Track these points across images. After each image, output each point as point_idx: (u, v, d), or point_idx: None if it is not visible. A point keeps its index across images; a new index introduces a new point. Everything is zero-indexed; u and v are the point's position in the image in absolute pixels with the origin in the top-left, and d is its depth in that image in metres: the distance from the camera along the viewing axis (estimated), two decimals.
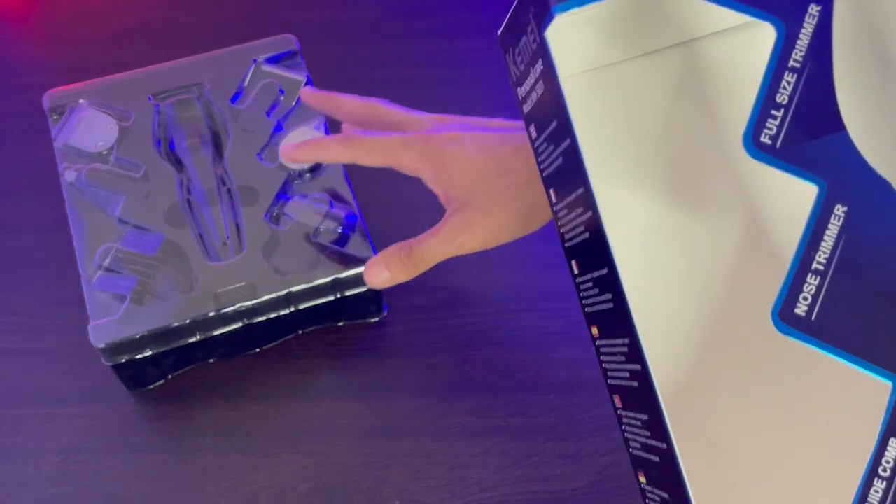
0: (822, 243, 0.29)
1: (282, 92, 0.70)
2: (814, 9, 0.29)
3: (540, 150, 0.35)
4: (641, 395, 0.32)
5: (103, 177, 0.66)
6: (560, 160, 0.33)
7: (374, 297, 0.66)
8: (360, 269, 0.63)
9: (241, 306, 0.62)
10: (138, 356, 0.62)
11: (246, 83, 0.70)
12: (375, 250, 0.63)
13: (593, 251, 0.32)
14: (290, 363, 0.66)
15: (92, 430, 0.64)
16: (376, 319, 0.68)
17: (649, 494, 0.35)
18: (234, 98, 0.70)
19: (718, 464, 0.29)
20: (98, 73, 0.71)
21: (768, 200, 0.29)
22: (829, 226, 0.29)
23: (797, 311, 0.29)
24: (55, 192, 0.67)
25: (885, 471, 0.29)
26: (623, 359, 0.33)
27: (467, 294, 0.69)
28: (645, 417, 0.32)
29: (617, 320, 0.32)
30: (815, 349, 0.29)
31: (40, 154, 0.72)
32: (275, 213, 0.66)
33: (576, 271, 0.35)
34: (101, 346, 0.60)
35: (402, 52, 0.79)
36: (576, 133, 0.30)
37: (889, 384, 0.29)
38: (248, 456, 0.63)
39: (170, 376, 0.65)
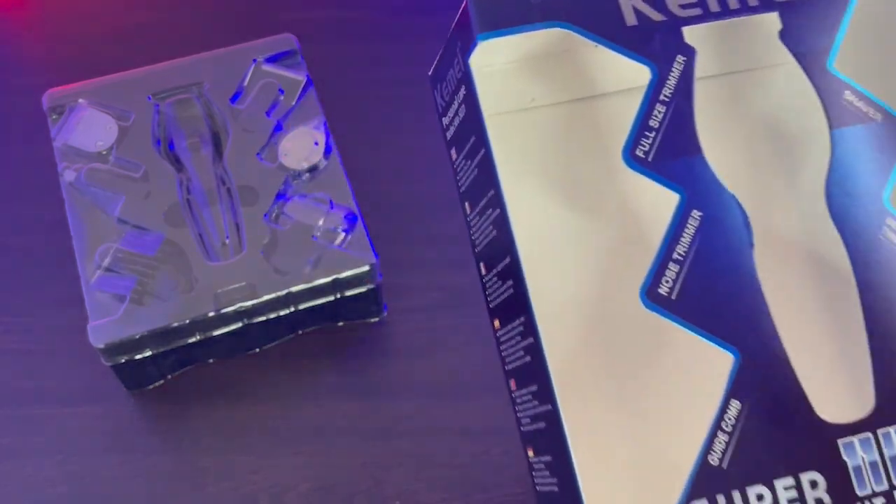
0: (682, 239, 0.36)
1: (282, 92, 0.70)
2: (680, 59, 0.37)
3: (459, 169, 0.40)
4: (533, 367, 0.36)
5: (103, 177, 0.66)
6: (475, 171, 0.38)
7: (374, 297, 0.66)
8: (360, 269, 0.63)
9: (241, 306, 0.62)
10: (138, 356, 0.62)
11: (246, 83, 0.70)
12: (375, 250, 0.63)
13: (499, 246, 0.37)
14: (290, 363, 0.66)
15: (92, 430, 0.64)
16: (376, 319, 0.68)
17: (536, 466, 0.39)
18: (234, 98, 0.70)
19: (594, 419, 0.36)
20: (98, 72, 0.71)
21: (640, 203, 0.37)
22: (688, 226, 0.36)
23: (660, 290, 0.36)
24: (54, 192, 0.67)
25: (727, 426, 0.35)
26: (519, 338, 0.38)
27: (467, 294, 0.68)
28: (535, 388, 0.37)
29: (515, 303, 0.37)
30: (674, 324, 0.35)
31: (40, 154, 0.71)
32: (275, 213, 0.66)
33: (483, 272, 0.41)
34: (101, 346, 0.60)
35: (402, 52, 0.79)
36: (489, 141, 0.36)
37: (731, 356, 0.35)
38: (248, 456, 0.63)
39: (169, 376, 0.65)
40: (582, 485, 0.34)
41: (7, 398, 0.65)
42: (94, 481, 0.62)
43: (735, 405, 0.35)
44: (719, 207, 0.36)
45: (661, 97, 0.37)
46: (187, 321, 0.61)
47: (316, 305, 0.64)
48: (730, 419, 0.35)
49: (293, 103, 0.70)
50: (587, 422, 0.35)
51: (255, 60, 0.71)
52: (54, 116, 0.69)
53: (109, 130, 0.68)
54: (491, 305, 0.41)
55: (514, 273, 0.36)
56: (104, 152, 0.68)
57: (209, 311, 0.61)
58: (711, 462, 0.34)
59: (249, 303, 0.62)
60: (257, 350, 0.66)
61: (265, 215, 0.65)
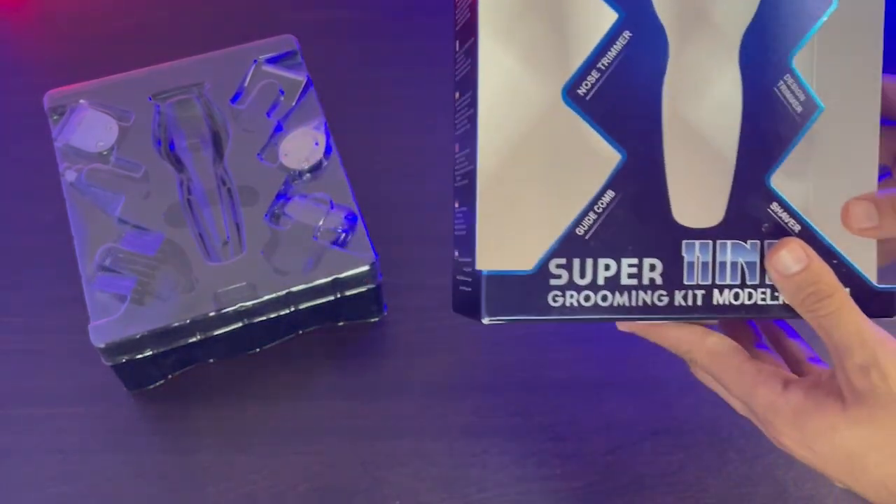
0: (608, 53, 0.42)
1: (282, 92, 0.70)
2: None
3: (457, 63, 0.46)
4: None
5: (103, 177, 0.67)
6: (468, 64, 0.44)
7: (374, 297, 0.66)
8: (361, 270, 0.63)
9: (242, 306, 0.62)
10: (138, 356, 0.62)
11: (246, 83, 0.70)
12: (375, 250, 0.64)
13: (469, 86, 0.44)
14: (290, 363, 0.66)
15: (92, 430, 0.64)
16: (376, 319, 0.68)
17: (457, 215, 0.46)
18: (235, 98, 0.70)
19: (501, 182, 0.42)
20: (98, 73, 0.71)
21: (581, 18, 0.42)
22: (616, 43, 0.42)
23: (579, 91, 0.42)
24: (55, 192, 0.67)
25: (598, 208, 0.43)
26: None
27: None
28: (468, 151, 0.44)
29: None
30: (583, 121, 0.42)
31: (40, 154, 0.72)
32: (275, 213, 0.66)
33: (455, 107, 0.47)
34: (102, 345, 0.60)
35: (402, 51, 0.79)
36: (478, 30, 0.42)
37: (619, 154, 0.43)
38: (248, 456, 0.63)
39: (170, 376, 0.65)
40: (478, 228, 0.42)
41: (7, 398, 0.65)
42: (95, 480, 0.62)
43: (610, 194, 0.43)
44: (647, 32, 0.43)
45: None
46: (188, 321, 0.61)
47: (316, 305, 0.64)
48: (602, 204, 0.43)
49: (293, 104, 0.70)
50: (495, 185, 0.42)
51: (255, 61, 0.71)
52: (55, 117, 0.69)
53: (110, 131, 0.68)
54: (456, 133, 0.46)
55: (474, 104, 0.43)
56: (105, 152, 0.68)
57: (209, 311, 0.61)
58: (578, 233, 0.43)
59: (250, 303, 0.62)
60: (257, 350, 0.66)
61: (265, 215, 0.65)
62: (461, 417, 0.64)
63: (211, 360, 0.66)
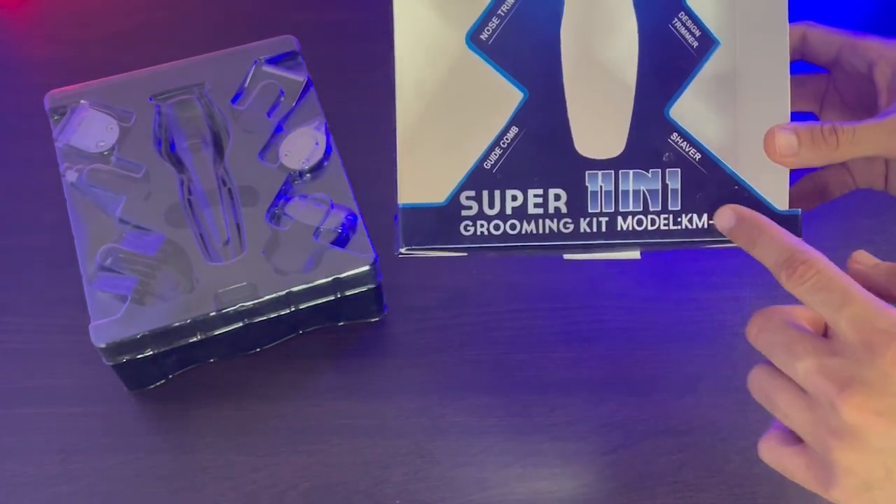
0: (506, 2, 0.46)
1: (282, 93, 0.70)
2: None
3: None
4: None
5: (104, 177, 0.67)
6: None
7: (374, 297, 0.66)
8: (361, 269, 0.63)
9: (242, 306, 0.62)
10: (139, 356, 0.62)
11: (246, 84, 0.71)
12: (376, 250, 0.64)
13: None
14: (290, 363, 0.66)
15: (92, 430, 0.64)
16: (376, 319, 0.68)
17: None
18: (235, 98, 0.70)
19: (417, 123, 0.46)
20: (99, 73, 0.71)
21: None
22: None
23: (481, 36, 0.46)
24: (56, 193, 0.67)
25: (504, 143, 0.46)
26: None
27: (467, 294, 0.69)
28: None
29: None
30: (486, 63, 0.46)
31: (41, 154, 0.72)
32: (275, 214, 0.66)
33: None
34: (102, 345, 0.60)
35: None
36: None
37: (521, 93, 0.46)
38: (248, 456, 0.63)
39: (170, 376, 0.66)
40: (398, 166, 0.46)
41: (8, 398, 0.65)
42: (96, 480, 0.62)
43: (514, 130, 0.46)
44: None
45: None
46: (188, 321, 0.61)
47: (316, 305, 0.64)
48: (507, 139, 0.46)
49: (294, 104, 0.70)
50: (412, 126, 0.46)
51: (255, 61, 0.71)
52: (56, 117, 0.69)
53: (111, 131, 0.68)
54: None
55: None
56: (105, 153, 0.68)
57: (210, 311, 0.61)
58: (486, 167, 0.46)
59: (250, 302, 0.62)
60: (258, 350, 0.66)
61: (266, 215, 0.65)
62: (461, 417, 0.64)
63: (211, 360, 0.66)
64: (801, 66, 0.51)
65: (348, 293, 0.64)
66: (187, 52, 0.72)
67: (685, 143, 0.46)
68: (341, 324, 0.68)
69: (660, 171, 0.46)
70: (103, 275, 0.63)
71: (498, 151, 0.46)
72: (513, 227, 0.46)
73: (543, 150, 0.46)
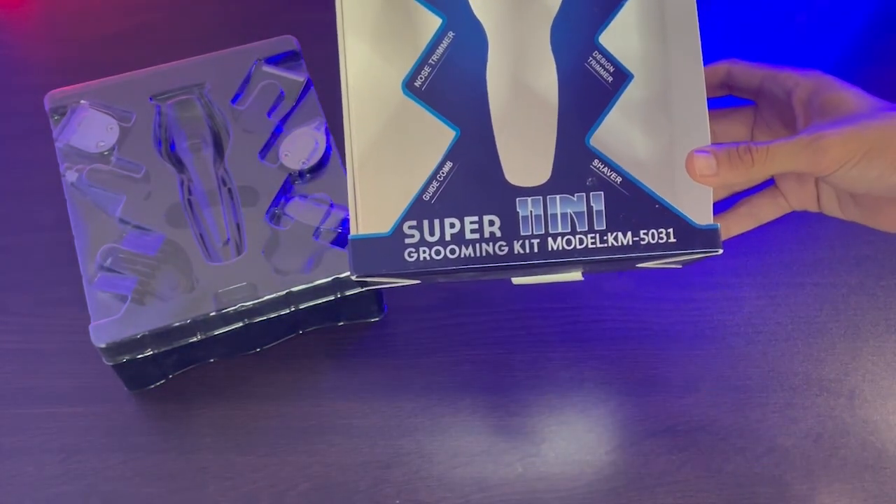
0: (437, 51, 0.50)
1: (282, 93, 0.70)
2: None
3: None
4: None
5: (104, 177, 0.67)
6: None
7: (374, 297, 0.66)
8: None
9: (242, 306, 0.62)
10: (139, 356, 0.62)
11: (247, 84, 0.71)
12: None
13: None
14: (290, 363, 0.66)
15: (92, 430, 0.64)
16: (376, 319, 0.68)
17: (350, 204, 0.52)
18: (235, 98, 0.70)
19: (368, 159, 0.50)
20: (99, 73, 0.71)
21: (416, 27, 0.50)
22: (443, 41, 0.50)
23: (416, 83, 0.50)
24: (56, 193, 0.67)
25: (440, 177, 0.49)
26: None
27: (467, 294, 0.69)
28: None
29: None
30: (421, 107, 0.50)
31: (41, 154, 0.72)
32: (275, 214, 0.66)
33: None
34: (103, 345, 0.60)
35: None
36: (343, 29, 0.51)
37: (454, 131, 0.50)
38: (248, 456, 0.63)
39: (170, 376, 0.66)
40: (349, 203, 0.50)
41: (8, 398, 0.65)
42: (96, 480, 0.62)
43: (449, 164, 0.49)
44: (468, 31, 0.50)
45: None
46: (188, 321, 0.61)
47: (316, 305, 0.64)
48: (443, 173, 0.49)
49: (294, 104, 0.70)
50: (360, 165, 0.50)
51: (255, 61, 0.71)
52: (56, 117, 0.69)
53: (111, 131, 0.69)
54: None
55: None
56: (106, 153, 0.68)
57: (210, 311, 0.61)
58: (425, 198, 0.49)
59: (250, 302, 0.62)
60: (258, 350, 0.66)
61: (266, 215, 0.65)
62: (461, 417, 0.64)
63: (211, 360, 0.66)
64: (729, 99, 0.55)
65: (348, 293, 0.64)
66: (187, 52, 0.72)
67: (606, 168, 0.50)
68: (341, 324, 0.68)
69: (584, 194, 0.50)
70: (103, 275, 0.63)
71: (435, 184, 0.49)
72: (452, 251, 0.49)
73: (476, 181, 0.50)
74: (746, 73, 0.55)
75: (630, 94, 0.50)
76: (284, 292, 0.62)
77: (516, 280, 0.53)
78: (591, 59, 0.50)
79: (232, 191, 0.67)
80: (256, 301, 0.62)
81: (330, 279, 0.63)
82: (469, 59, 0.50)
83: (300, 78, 0.71)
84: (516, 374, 0.65)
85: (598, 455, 0.62)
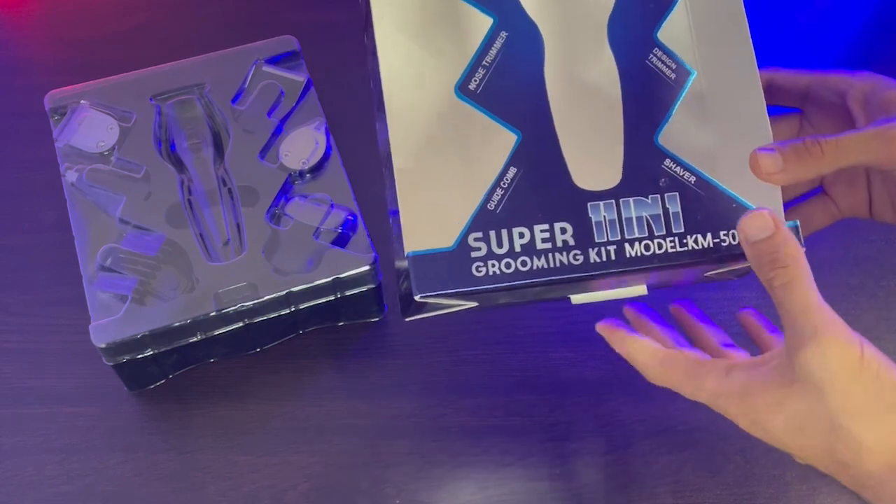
0: (491, 51, 0.48)
1: (282, 93, 0.70)
2: None
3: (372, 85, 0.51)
4: (382, 125, 0.49)
5: (104, 177, 0.67)
6: (374, 63, 0.50)
7: (374, 297, 0.66)
8: (361, 269, 0.63)
9: (242, 306, 0.62)
10: (139, 356, 0.62)
11: (247, 84, 0.71)
12: (376, 250, 0.64)
13: (376, 84, 0.49)
14: (290, 363, 0.66)
15: (92, 430, 0.64)
16: (376, 319, 0.68)
17: (392, 219, 0.49)
18: (235, 99, 0.70)
19: (420, 171, 0.47)
20: (99, 73, 0.71)
21: (466, 28, 0.48)
22: (496, 42, 0.48)
23: (470, 86, 0.47)
24: (56, 193, 0.67)
25: (504, 184, 0.47)
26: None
27: None
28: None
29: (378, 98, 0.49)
30: (478, 111, 0.47)
31: (41, 154, 0.72)
32: (275, 214, 0.66)
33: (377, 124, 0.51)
34: (103, 345, 0.60)
35: None
36: (376, 39, 0.49)
37: (515, 135, 0.47)
38: (248, 456, 0.63)
39: (171, 376, 0.66)
40: (402, 215, 0.47)
41: (8, 398, 0.65)
42: (96, 480, 0.62)
43: (513, 170, 0.47)
44: (522, 31, 0.48)
45: None
46: (188, 321, 0.61)
47: (316, 305, 0.64)
48: (507, 179, 0.47)
49: (294, 104, 0.70)
50: (410, 176, 0.47)
51: (256, 61, 0.71)
52: (56, 117, 0.69)
53: (111, 131, 0.69)
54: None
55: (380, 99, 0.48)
56: (106, 153, 0.68)
57: (210, 311, 0.61)
58: (489, 208, 0.47)
59: (250, 303, 0.62)
60: (258, 350, 0.66)
61: (266, 215, 0.65)
62: (461, 417, 0.64)
63: (211, 360, 0.66)
64: (771, 109, 0.52)
65: (348, 293, 0.64)
66: (187, 52, 0.72)
67: (678, 167, 0.48)
68: (341, 324, 0.68)
69: (658, 196, 0.48)
70: (103, 275, 0.63)
71: (500, 192, 0.47)
72: (523, 263, 0.47)
73: (544, 187, 0.47)
74: (791, 79, 0.53)
75: (693, 90, 0.48)
76: (284, 292, 0.62)
77: (576, 299, 0.50)
78: (651, 55, 0.48)
79: (232, 191, 0.67)
80: (256, 301, 0.62)
81: (330, 279, 0.63)
82: (525, 59, 0.48)
83: (300, 78, 0.71)
84: (516, 374, 0.65)
85: (597, 455, 0.62)
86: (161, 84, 0.70)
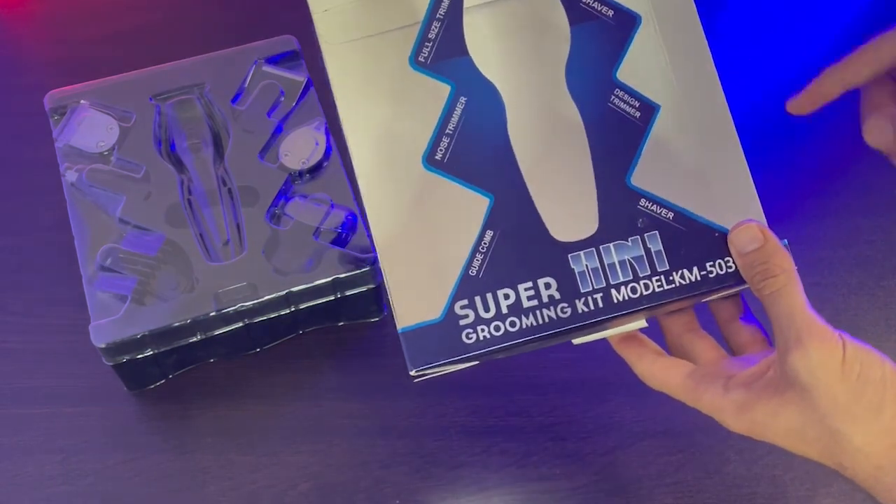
0: (452, 118, 0.48)
1: (282, 92, 0.70)
2: None
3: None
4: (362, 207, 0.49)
5: (104, 177, 0.67)
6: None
7: (374, 297, 0.66)
8: (361, 269, 0.63)
9: (242, 306, 0.62)
10: (139, 356, 0.62)
11: (247, 84, 0.71)
12: (375, 251, 0.64)
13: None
14: (290, 363, 0.66)
15: (92, 430, 0.64)
16: (376, 319, 0.68)
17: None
18: (235, 98, 0.70)
19: (396, 242, 0.47)
20: (99, 73, 0.71)
21: (425, 99, 0.48)
22: (457, 108, 0.48)
23: (436, 157, 0.48)
24: (56, 193, 0.67)
25: (483, 248, 0.47)
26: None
27: None
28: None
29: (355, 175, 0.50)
30: (448, 180, 0.48)
31: (41, 154, 0.72)
32: (275, 214, 0.66)
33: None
34: (103, 345, 0.60)
35: None
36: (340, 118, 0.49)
37: (487, 198, 0.47)
38: (248, 456, 0.63)
39: (170, 376, 0.66)
40: (390, 295, 0.47)
41: (8, 398, 0.65)
42: (96, 480, 0.62)
43: (489, 233, 0.47)
44: (480, 93, 0.48)
45: (437, 16, 0.49)
46: (188, 321, 0.61)
47: (316, 305, 0.64)
48: (485, 244, 0.47)
49: (294, 104, 0.70)
50: (392, 254, 0.47)
51: (256, 61, 0.71)
52: (56, 117, 0.69)
53: (111, 131, 0.69)
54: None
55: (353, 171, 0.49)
56: (106, 153, 0.68)
57: (210, 311, 0.61)
58: (471, 274, 0.47)
59: (250, 303, 0.62)
60: (258, 350, 0.66)
61: (266, 215, 0.65)
62: (461, 417, 0.64)
63: (211, 360, 0.66)
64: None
65: (348, 293, 0.64)
66: (187, 52, 0.72)
67: (654, 205, 0.48)
68: (341, 324, 0.68)
69: (638, 237, 0.48)
70: (103, 275, 0.63)
71: (479, 257, 0.47)
72: (512, 324, 0.47)
73: (522, 245, 0.47)
74: (857, 62, 0.51)
75: (660, 125, 0.48)
76: (284, 292, 0.62)
77: (577, 340, 0.50)
78: (613, 97, 0.48)
79: (232, 191, 0.67)
80: (256, 301, 0.62)
81: (330, 279, 0.63)
82: (487, 121, 0.48)
83: (300, 78, 0.71)
84: (516, 375, 0.65)
85: (597, 455, 0.62)
86: (161, 84, 0.70)
